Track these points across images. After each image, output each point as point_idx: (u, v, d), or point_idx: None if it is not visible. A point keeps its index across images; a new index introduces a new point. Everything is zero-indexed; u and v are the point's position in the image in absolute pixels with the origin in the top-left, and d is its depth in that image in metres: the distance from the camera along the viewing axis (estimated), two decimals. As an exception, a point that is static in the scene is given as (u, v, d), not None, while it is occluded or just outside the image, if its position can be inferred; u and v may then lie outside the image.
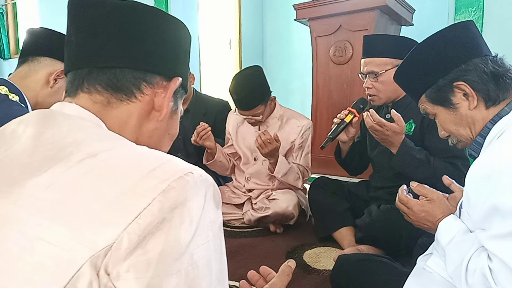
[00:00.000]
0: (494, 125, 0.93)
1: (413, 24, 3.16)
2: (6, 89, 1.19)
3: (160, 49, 0.62)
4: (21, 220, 0.44)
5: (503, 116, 0.92)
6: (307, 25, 3.18)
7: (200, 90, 4.12)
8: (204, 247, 0.46)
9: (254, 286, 0.83)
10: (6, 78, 1.26)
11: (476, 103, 0.94)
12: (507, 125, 0.89)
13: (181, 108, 0.70)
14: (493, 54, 0.98)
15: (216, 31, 4.50)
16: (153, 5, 3.08)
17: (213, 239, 0.48)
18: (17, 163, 0.49)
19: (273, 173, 2.03)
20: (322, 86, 3.17)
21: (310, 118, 3.24)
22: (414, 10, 3.13)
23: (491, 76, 0.93)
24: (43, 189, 0.45)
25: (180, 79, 0.64)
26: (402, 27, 3.19)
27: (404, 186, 1.11)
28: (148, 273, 0.41)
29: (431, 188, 1.07)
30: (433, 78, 0.99)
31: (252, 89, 2.00)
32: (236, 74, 2.10)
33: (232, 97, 2.07)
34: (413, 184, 1.08)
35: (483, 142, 0.95)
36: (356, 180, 2.12)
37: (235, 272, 1.59)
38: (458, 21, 1.05)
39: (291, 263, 0.81)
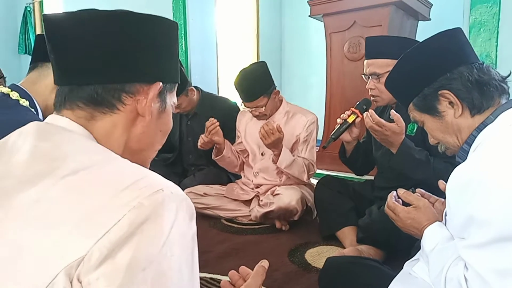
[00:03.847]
0: (479, 133, 0.93)
1: (430, 19, 3.09)
2: (17, 94, 1.27)
3: (136, 57, 0.62)
4: (11, 232, 0.50)
5: (488, 124, 0.92)
6: (322, 21, 3.17)
7: (217, 86, 4.18)
8: (173, 259, 0.50)
9: (234, 285, 0.87)
10: (18, 84, 1.34)
11: (461, 111, 0.95)
12: (488, 135, 0.89)
13: (172, 102, 0.70)
14: (480, 62, 0.97)
15: (233, 26, 4.53)
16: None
17: (184, 250, 0.52)
18: (13, 176, 0.54)
19: (276, 163, 2.08)
20: (336, 82, 3.16)
21: (324, 114, 3.25)
22: (432, 5, 3.06)
23: (476, 84, 0.93)
24: (31, 204, 0.50)
25: (161, 84, 0.65)
26: (420, 22, 3.13)
27: (394, 193, 1.13)
28: (116, 282, 0.46)
29: (417, 196, 1.09)
30: (420, 86, 1.00)
31: (254, 80, 2.10)
32: (241, 69, 2.19)
33: (236, 88, 2.16)
34: (400, 191, 1.09)
35: (469, 149, 0.96)
36: (363, 178, 2.13)
37: (236, 269, 1.63)
38: (457, 24, 1.04)
39: (264, 263, 0.84)
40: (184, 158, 2.76)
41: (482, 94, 0.93)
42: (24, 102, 1.27)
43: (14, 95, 1.27)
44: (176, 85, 0.72)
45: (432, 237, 0.97)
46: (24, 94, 1.29)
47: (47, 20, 0.62)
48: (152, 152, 0.71)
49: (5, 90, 1.28)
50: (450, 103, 0.96)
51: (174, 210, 0.51)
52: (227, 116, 2.46)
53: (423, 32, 2.93)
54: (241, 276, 0.87)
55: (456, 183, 0.83)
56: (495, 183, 0.75)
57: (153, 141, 0.69)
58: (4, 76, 3.47)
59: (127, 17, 0.62)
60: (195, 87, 2.61)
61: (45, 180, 0.51)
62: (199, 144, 2.24)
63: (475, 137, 0.93)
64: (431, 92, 0.98)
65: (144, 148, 0.68)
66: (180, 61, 2.84)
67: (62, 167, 0.52)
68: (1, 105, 1.24)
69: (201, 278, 1.55)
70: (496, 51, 2.26)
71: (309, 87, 4.76)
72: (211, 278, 1.55)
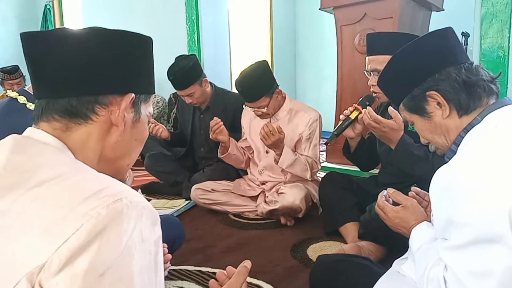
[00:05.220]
0: (466, 134, 0.93)
1: (443, 10, 3.02)
2: (25, 98, 1.34)
3: (109, 71, 0.66)
4: None
5: (474, 125, 0.92)
6: (332, 14, 3.15)
7: (231, 80, 4.21)
8: (133, 263, 0.53)
9: (221, 285, 0.91)
10: (26, 88, 1.40)
11: (448, 112, 0.95)
12: (473, 137, 0.89)
13: (147, 112, 0.74)
14: (470, 62, 0.97)
15: (246, 20, 4.53)
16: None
17: (144, 255, 0.55)
18: None
19: (278, 164, 2.09)
20: (347, 75, 3.15)
21: (335, 107, 3.24)
22: (445, -5, 3.00)
23: (463, 85, 0.93)
24: (0, 215, 0.54)
25: (133, 95, 0.68)
26: (433, 13, 3.06)
27: (384, 192, 1.14)
28: (74, 287, 0.49)
29: (411, 194, 1.10)
30: (409, 87, 1.00)
31: (255, 81, 2.09)
32: (243, 69, 2.19)
33: (237, 89, 2.16)
34: (390, 191, 1.10)
35: (457, 150, 0.96)
36: (370, 173, 2.13)
37: (240, 263, 1.68)
38: (442, 27, 1.04)
39: (247, 263, 0.88)
40: (195, 151, 2.82)
41: (469, 95, 0.92)
42: (31, 106, 1.34)
43: (22, 99, 1.33)
44: (152, 96, 0.75)
45: (418, 236, 0.99)
46: (31, 98, 1.35)
47: (25, 37, 0.66)
48: (128, 161, 0.74)
49: (13, 94, 1.35)
50: (438, 104, 0.96)
51: (134, 218, 0.54)
52: (238, 111, 2.49)
53: (437, 23, 2.87)
54: (227, 276, 0.91)
55: (437, 184, 0.84)
56: (474, 186, 0.76)
57: (129, 149, 0.73)
58: (24, 74, 3.61)
59: (100, 34, 0.66)
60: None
61: (14, 192, 0.55)
62: (210, 135, 2.27)
63: (463, 138, 0.94)
64: (419, 93, 0.98)
65: (120, 156, 0.71)
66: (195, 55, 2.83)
67: (31, 179, 0.56)
68: (9, 109, 1.31)
69: (204, 273, 1.61)
70: (509, 42, 2.20)
71: (323, 80, 4.74)
72: (213, 273, 1.59)
